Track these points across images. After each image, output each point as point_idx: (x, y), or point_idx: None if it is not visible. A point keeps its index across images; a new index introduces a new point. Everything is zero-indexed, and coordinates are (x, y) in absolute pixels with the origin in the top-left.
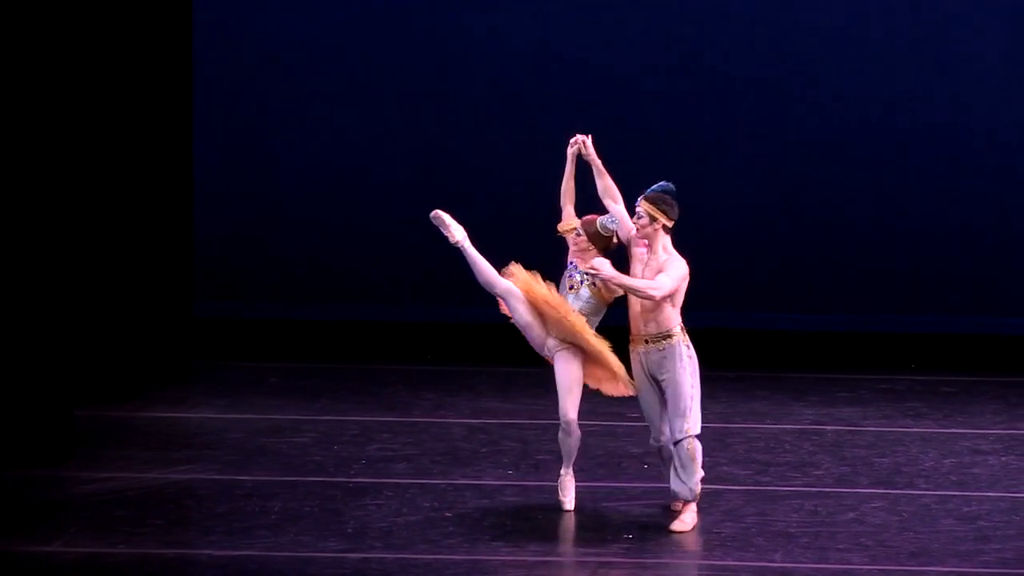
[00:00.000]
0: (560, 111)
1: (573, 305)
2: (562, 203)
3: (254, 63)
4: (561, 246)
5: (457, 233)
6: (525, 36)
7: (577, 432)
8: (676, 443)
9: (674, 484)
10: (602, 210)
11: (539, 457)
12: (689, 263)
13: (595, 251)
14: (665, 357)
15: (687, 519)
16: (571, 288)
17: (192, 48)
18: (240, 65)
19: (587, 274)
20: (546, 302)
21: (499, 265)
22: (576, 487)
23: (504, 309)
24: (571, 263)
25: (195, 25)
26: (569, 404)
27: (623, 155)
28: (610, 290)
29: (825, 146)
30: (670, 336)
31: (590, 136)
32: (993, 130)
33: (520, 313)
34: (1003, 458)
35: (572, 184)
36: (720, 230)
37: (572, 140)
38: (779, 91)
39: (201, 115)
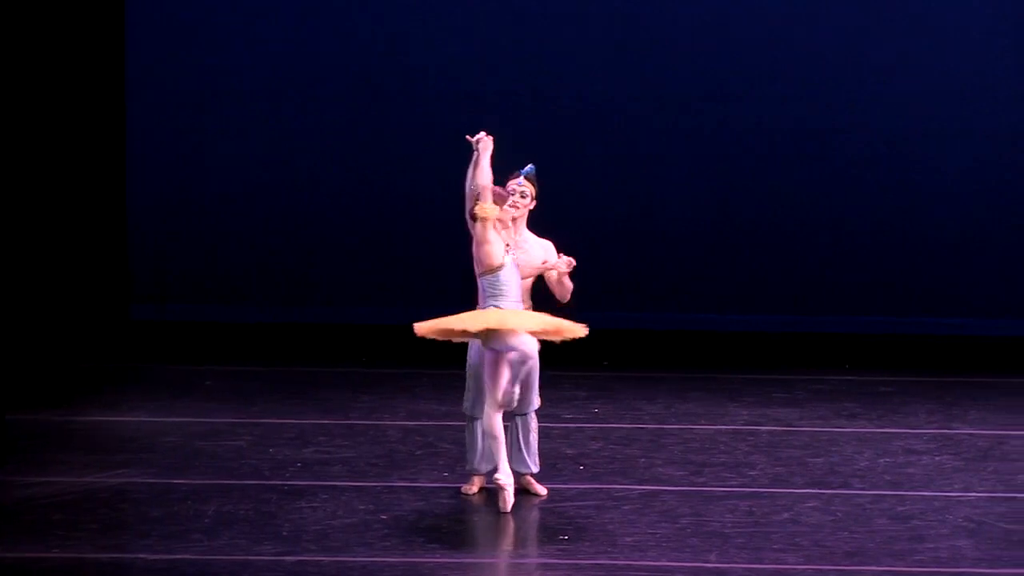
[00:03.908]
0: (509, 115)
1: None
2: (487, 179)
3: (189, 62)
4: None
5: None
6: (470, 39)
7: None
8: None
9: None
10: None
11: None
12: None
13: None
14: None
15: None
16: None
17: (125, 48)
18: (174, 64)
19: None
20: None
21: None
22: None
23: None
24: (509, 246)
25: (128, 24)
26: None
27: (584, 157)
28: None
29: (760, 147)
30: None
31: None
32: (929, 133)
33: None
34: (937, 458)
35: None
36: (653, 233)
37: (479, 138)
38: (721, 95)
39: (135, 116)
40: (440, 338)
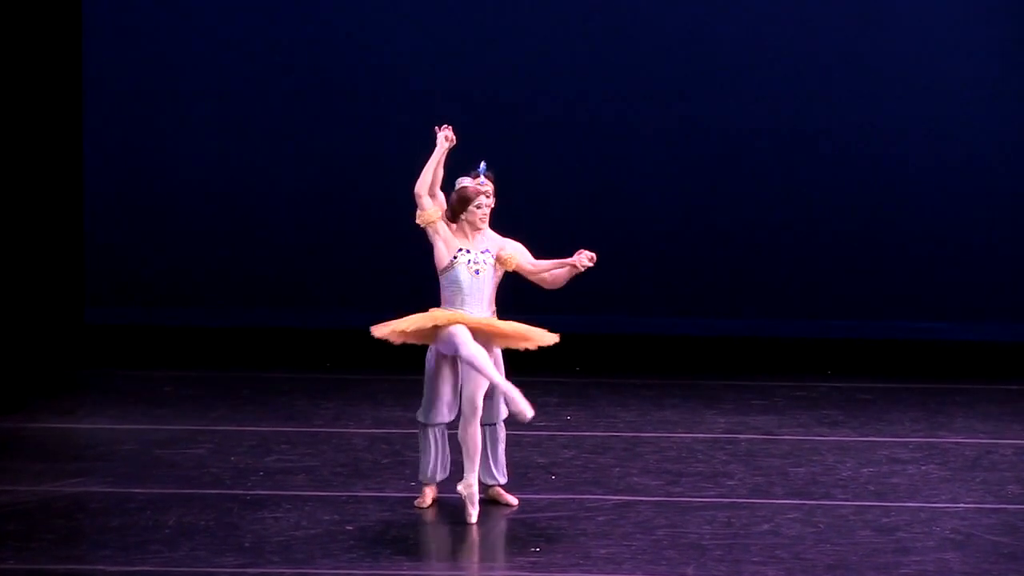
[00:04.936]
0: (481, 115)
1: (484, 288)
2: (428, 192)
3: (145, 63)
4: None
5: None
6: (438, 37)
7: None
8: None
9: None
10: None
11: None
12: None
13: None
14: None
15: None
16: (477, 273)
17: (82, 48)
18: (131, 65)
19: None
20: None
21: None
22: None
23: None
24: (462, 250)
25: (85, 24)
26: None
27: (559, 158)
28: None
29: (740, 149)
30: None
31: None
32: (914, 134)
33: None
34: (923, 467)
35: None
36: (627, 234)
37: (444, 129)
38: (705, 96)
39: (91, 117)
40: (397, 340)
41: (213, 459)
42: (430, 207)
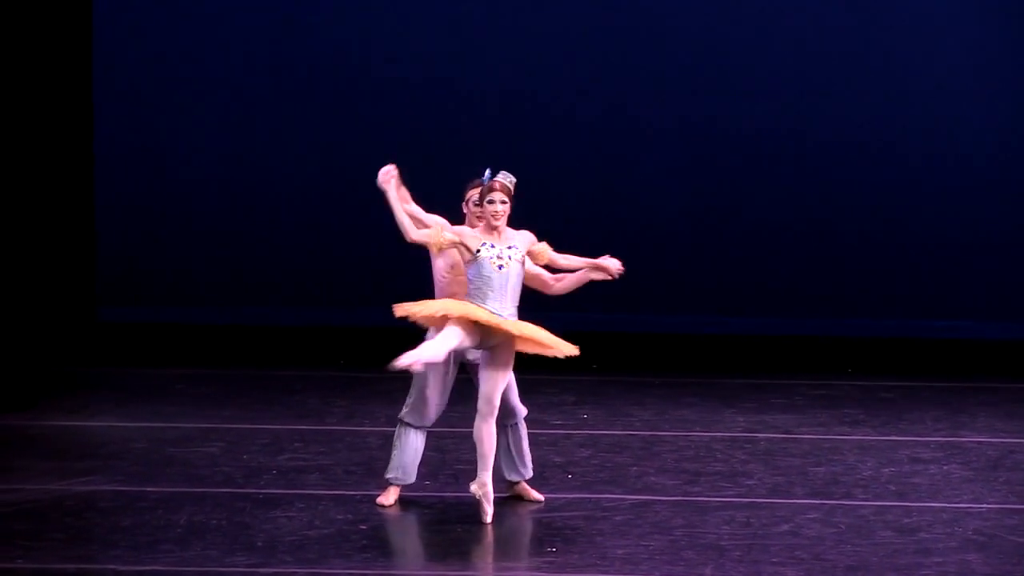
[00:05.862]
0: (490, 113)
1: (508, 283)
2: (416, 228)
3: (156, 63)
4: None
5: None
6: (445, 36)
7: None
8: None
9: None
10: None
11: (457, 467)
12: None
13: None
14: None
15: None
16: (500, 268)
17: (92, 49)
18: (141, 65)
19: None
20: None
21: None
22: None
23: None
24: (486, 244)
25: (95, 25)
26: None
27: (572, 155)
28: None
29: (759, 146)
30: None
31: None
32: (919, 133)
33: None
34: (945, 467)
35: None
36: (646, 232)
37: (386, 171)
38: (709, 91)
39: (103, 117)
40: (419, 319)
41: (225, 457)
42: (433, 232)
